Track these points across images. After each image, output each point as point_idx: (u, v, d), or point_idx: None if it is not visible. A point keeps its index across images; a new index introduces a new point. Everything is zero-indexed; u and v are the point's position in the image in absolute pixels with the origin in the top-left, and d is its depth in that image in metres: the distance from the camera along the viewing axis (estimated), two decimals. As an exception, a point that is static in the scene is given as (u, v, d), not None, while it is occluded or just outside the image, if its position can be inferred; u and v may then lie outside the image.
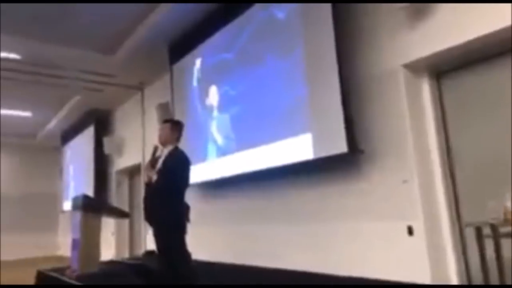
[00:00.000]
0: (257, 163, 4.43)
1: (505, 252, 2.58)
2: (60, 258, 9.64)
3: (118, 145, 8.53)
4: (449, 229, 3.24)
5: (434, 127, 3.41)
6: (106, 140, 8.52)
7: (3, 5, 4.84)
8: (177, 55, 6.00)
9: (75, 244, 5.02)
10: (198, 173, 4.92)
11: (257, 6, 4.56)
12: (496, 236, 2.54)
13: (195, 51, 5.64)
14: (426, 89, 3.48)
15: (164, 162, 3.34)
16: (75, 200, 5.38)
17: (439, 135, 3.40)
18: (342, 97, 3.51)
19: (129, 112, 8.42)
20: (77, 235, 4.93)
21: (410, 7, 3.23)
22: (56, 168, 11.88)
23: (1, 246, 10.11)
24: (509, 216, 2.48)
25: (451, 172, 3.34)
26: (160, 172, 3.27)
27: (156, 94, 7.12)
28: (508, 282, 2.61)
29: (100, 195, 8.51)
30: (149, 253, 5.71)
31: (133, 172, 8.46)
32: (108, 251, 7.25)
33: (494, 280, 2.58)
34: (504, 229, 2.53)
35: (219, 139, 5.16)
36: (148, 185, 3.34)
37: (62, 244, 10.93)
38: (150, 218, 3.35)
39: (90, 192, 7.90)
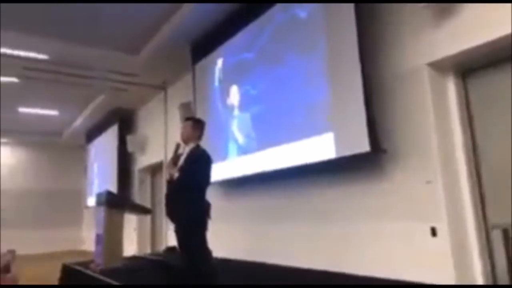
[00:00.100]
0: (277, 162, 4.43)
1: (533, 256, 2.51)
2: (84, 253, 9.88)
3: (141, 143, 8.68)
4: (474, 231, 3.16)
5: (460, 126, 3.33)
6: (129, 139, 8.68)
7: (33, 7, 5.00)
8: (199, 55, 6.06)
9: (98, 239, 5.14)
10: (219, 172, 4.95)
11: (279, 6, 4.56)
12: (524, 239, 2.47)
13: (217, 51, 5.68)
14: (451, 88, 3.41)
15: (186, 160, 3.37)
16: (99, 196, 5.51)
17: (465, 135, 3.32)
18: (365, 96, 3.47)
19: (152, 111, 8.55)
20: (101, 230, 5.05)
21: (435, 6, 3.17)
22: (81, 165, 12.19)
23: (29, 240, 10.42)
24: (537, 218, 2.41)
25: (477, 172, 3.26)
26: (182, 170, 3.30)
27: (178, 93, 7.21)
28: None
29: (123, 192, 8.67)
30: (170, 249, 5.79)
31: (155, 169, 8.59)
32: (130, 247, 7.39)
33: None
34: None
35: (240, 138, 5.19)
36: (170, 182, 3.38)
37: (86, 239, 11.21)
38: (172, 214, 3.39)
39: (114, 189, 8.05)
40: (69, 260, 6.15)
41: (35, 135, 11.31)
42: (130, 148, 8.67)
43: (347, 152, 3.65)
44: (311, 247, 4.25)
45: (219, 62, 5.65)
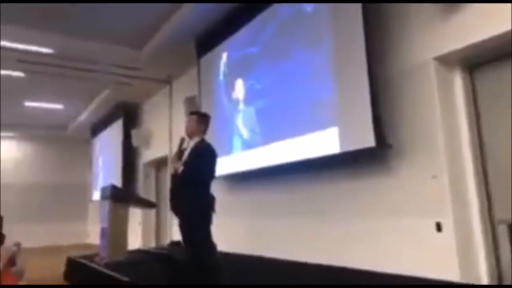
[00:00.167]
0: (282, 156, 4.42)
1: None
2: (89, 246, 9.95)
3: (146, 137, 8.70)
4: (480, 226, 3.15)
5: (466, 122, 3.31)
6: (134, 133, 8.70)
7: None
8: (204, 49, 6.04)
9: (103, 232, 5.16)
10: (223, 166, 4.94)
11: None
12: (530, 235, 2.45)
13: (222, 45, 5.66)
14: (458, 82, 3.38)
15: (191, 154, 3.36)
16: (103, 190, 5.53)
17: (472, 130, 3.30)
18: (371, 90, 3.45)
19: (157, 106, 8.56)
20: (106, 224, 5.07)
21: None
22: (86, 159, 12.24)
23: (34, 233, 10.50)
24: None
25: (483, 168, 3.24)
26: (186, 164, 3.29)
27: (183, 88, 7.20)
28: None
29: (128, 186, 8.71)
30: (175, 243, 5.82)
31: (160, 164, 8.61)
32: (135, 240, 7.43)
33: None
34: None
35: (245, 133, 5.18)
36: (175, 176, 3.37)
37: (91, 233, 11.28)
38: (176, 209, 3.38)
39: (118, 183, 8.08)
40: (74, 254, 6.20)
41: (40, 129, 11.36)
42: (135, 142, 8.69)
43: (352, 147, 3.64)
44: (315, 242, 4.24)
45: (224, 56, 5.63)
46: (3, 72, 6.93)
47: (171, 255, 5.09)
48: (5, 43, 5.85)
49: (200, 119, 3.53)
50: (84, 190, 12.13)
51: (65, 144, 12.44)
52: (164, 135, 7.78)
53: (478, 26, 2.97)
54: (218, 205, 3.34)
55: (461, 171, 3.26)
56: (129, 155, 9.15)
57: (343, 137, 3.72)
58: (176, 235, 5.16)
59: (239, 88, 5.29)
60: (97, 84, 8.12)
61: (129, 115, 9.32)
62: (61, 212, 12.03)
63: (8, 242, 4.60)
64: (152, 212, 8.29)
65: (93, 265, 4.81)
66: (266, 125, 4.80)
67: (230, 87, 5.46)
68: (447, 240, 3.09)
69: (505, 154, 3.10)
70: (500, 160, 3.13)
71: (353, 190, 3.90)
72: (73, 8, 5.23)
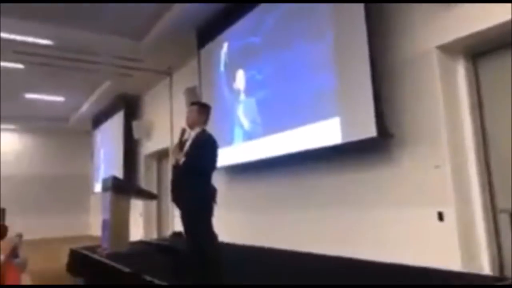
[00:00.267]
0: (283, 147, 4.41)
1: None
2: (91, 237, 10.00)
3: (147, 129, 8.69)
4: (482, 216, 3.14)
5: (469, 111, 3.28)
6: (135, 125, 8.69)
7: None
8: (205, 39, 6.00)
9: (105, 224, 5.18)
10: (224, 157, 4.93)
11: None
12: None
13: (222, 35, 5.62)
14: (461, 71, 3.35)
15: (192, 145, 3.34)
16: (105, 181, 5.53)
17: (474, 120, 3.27)
18: (373, 79, 3.42)
19: (157, 97, 8.53)
20: (107, 216, 5.09)
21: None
22: (87, 151, 12.25)
23: (36, 225, 10.55)
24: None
25: (486, 158, 3.22)
26: (188, 155, 3.28)
27: (184, 79, 7.17)
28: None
29: (129, 177, 8.72)
30: (176, 234, 5.82)
31: (161, 155, 8.61)
32: (136, 232, 7.45)
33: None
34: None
35: (246, 123, 5.16)
36: (176, 167, 3.36)
37: (93, 224, 11.33)
38: (177, 200, 3.37)
39: (120, 175, 8.10)
40: (76, 245, 6.22)
41: (41, 121, 11.35)
42: (136, 133, 8.68)
43: (354, 137, 3.62)
44: (317, 233, 4.24)
45: (225, 46, 5.59)
46: (3, 64, 6.90)
47: (173, 246, 5.11)
48: (4, 35, 5.81)
49: (201, 110, 3.50)
50: (86, 182, 12.15)
51: (66, 136, 12.44)
52: (165, 126, 7.76)
53: (482, 14, 2.93)
54: (219, 197, 3.33)
55: (463, 161, 3.25)
56: (130, 146, 9.15)
57: (345, 127, 3.70)
58: (178, 226, 5.17)
59: (240, 79, 5.26)
60: (97, 75, 8.09)
61: (130, 106, 9.30)
62: (63, 204, 12.07)
63: (10, 233, 4.61)
64: (154, 203, 8.30)
65: (95, 256, 4.83)
66: (267, 115, 4.78)
67: (231, 77, 5.42)
68: (449, 230, 3.09)
69: (508, 143, 3.07)
70: (503, 149, 3.11)
71: (355, 180, 3.89)
72: (73, -1, 5.19)
